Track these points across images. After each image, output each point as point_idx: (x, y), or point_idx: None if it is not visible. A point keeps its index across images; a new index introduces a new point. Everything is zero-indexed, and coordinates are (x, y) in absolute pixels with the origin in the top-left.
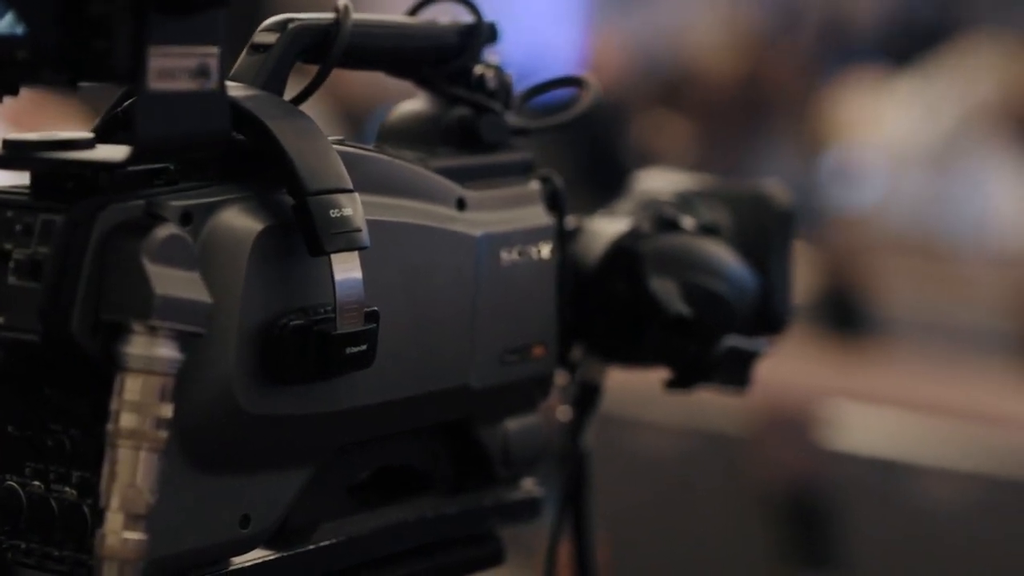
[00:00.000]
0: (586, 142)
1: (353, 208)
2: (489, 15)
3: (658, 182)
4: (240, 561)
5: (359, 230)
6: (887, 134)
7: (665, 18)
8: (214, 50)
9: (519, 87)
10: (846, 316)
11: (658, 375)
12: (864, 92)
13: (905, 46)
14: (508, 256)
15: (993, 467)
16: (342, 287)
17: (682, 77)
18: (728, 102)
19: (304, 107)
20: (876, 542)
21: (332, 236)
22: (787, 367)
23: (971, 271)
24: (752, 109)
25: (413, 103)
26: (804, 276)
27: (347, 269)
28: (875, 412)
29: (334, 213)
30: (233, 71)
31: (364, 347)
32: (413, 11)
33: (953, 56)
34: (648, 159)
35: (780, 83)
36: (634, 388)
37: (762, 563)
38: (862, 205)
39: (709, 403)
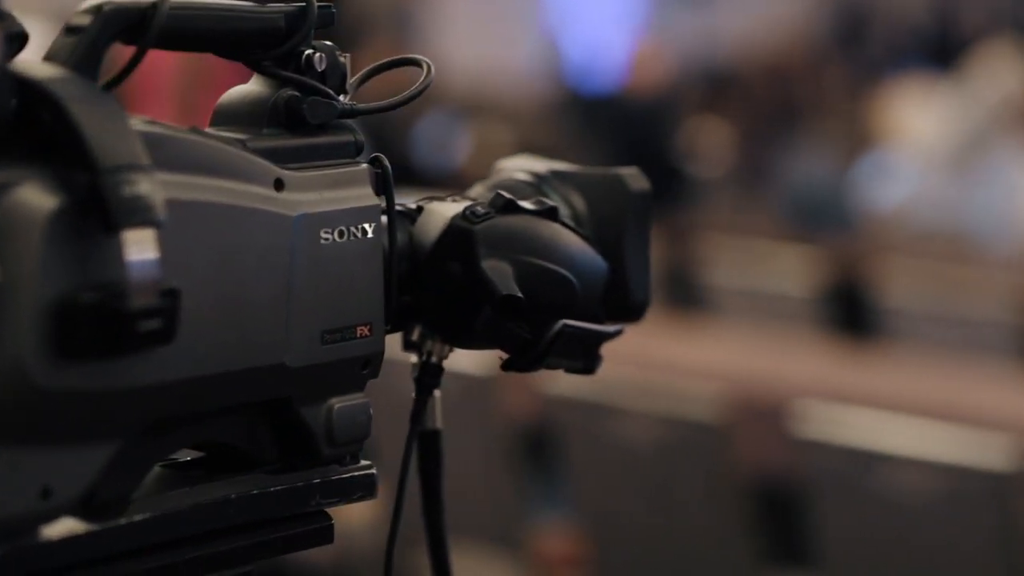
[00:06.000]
0: (634, 144)
1: (149, 185)
2: (551, 15)
3: (515, 167)
4: (48, 534)
5: (152, 207)
6: (918, 136)
7: (717, 23)
8: None
9: (578, 86)
10: (854, 313)
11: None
12: (900, 96)
13: (943, 52)
14: (329, 236)
15: (989, 463)
16: (135, 263)
17: (729, 80)
18: (770, 105)
19: None
20: (862, 538)
21: (124, 213)
22: (782, 361)
23: (989, 269)
24: (792, 112)
25: (246, 86)
26: (812, 274)
27: (141, 246)
28: (866, 409)
29: (127, 190)
30: (46, 52)
31: (160, 323)
32: None
33: (980, 59)
34: (695, 160)
35: (822, 87)
36: (614, 376)
37: (743, 555)
38: (890, 205)
39: (695, 393)
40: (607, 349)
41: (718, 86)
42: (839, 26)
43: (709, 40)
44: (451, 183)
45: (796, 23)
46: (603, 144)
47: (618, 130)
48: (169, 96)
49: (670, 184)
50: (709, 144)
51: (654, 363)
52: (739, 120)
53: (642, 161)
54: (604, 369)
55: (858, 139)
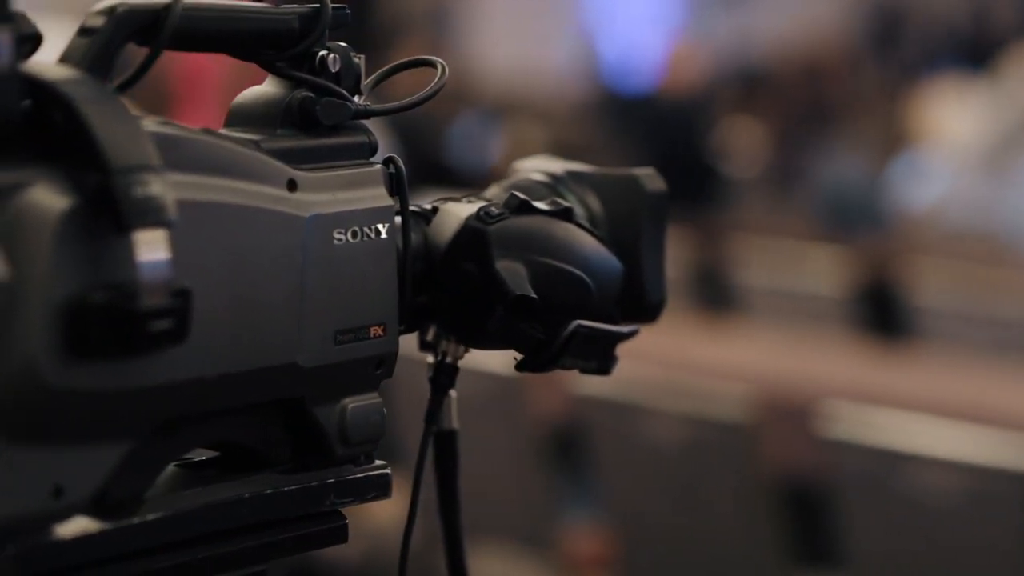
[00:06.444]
0: (668, 144)
1: (160, 186)
2: (587, 15)
3: (531, 167)
4: (61, 533)
5: (163, 207)
6: (952, 136)
7: (752, 23)
8: (6, 30)
9: (613, 86)
10: (885, 314)
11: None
12: (934, 97)
13: (978, 52)
14: (342, 237)
15: (1018, 464)
16: (146, 263)
17: (763, 80)
18: (805, 105)
19: None
20: (889, 539)
21: (136, 213)
22: (811, 362)
23: (1022, 270)
24: (826, 112)
25: (260, 87)
26: (844, 274)
27: (152, 246)
28: (895, 409)
29: (138, 191)
30: (61, 54)
31: (171, 323)
32: None
33: (1014, 60)
34: (728, 160)
35: (856, 88)
36: (643, 376)
37: (770, 555)
38: (922, 205)
39: (724, 393)
40: (637, 349)
41: (752, 86)
42: (874, 27)
43: (744, 40)
44: (485, 183)
45: (831, 24)
46: (637, 144)
47: (652, 130)
48: (215, 98)
49: (703, 184)
50: (743, 144)
51: (684, 363)
52: (773, 120)
53: (676, 161)
54: (633, 369)
55: (892, 139)
